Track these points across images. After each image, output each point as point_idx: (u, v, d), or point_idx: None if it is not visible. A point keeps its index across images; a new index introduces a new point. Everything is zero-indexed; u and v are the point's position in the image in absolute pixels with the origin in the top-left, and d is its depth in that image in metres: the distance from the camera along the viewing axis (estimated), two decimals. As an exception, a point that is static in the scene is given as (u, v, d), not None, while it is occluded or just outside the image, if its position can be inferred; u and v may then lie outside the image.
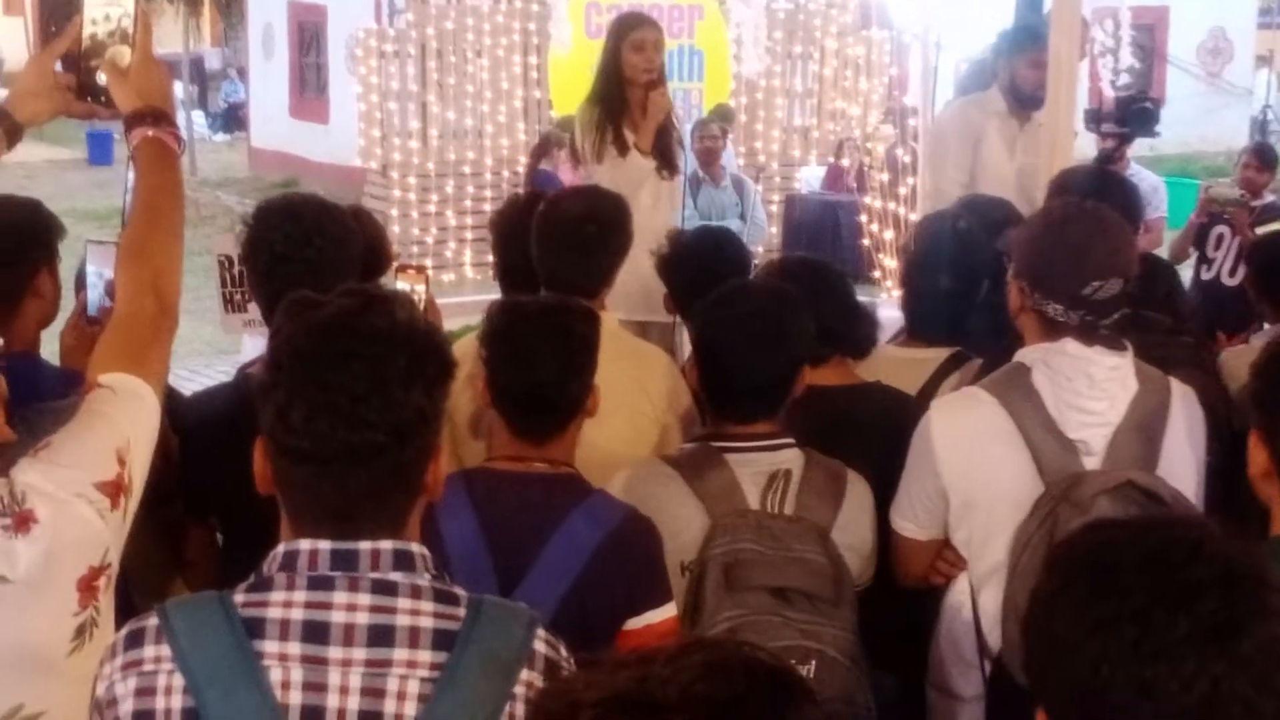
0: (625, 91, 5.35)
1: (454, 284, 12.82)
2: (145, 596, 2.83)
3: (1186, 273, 7.77)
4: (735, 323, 2.99)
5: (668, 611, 2.73)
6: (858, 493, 3.02)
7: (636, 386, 3.49)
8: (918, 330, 3.75)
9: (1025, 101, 5.75)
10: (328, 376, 1.80)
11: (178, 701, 1.76)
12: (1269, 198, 8.10)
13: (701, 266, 3.88)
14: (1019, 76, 5.75)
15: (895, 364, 3.60)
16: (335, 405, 1.79)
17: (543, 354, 2.76)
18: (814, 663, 2.76)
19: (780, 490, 2.92)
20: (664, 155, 5.40)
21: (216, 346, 9.42)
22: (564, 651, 1.87)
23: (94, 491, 2.11)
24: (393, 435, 1.81)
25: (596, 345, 2.85)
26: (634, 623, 2.69)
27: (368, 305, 1.87)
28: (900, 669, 3.08)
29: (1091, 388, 2.82)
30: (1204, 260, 7.54)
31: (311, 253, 3.04)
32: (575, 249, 3.58)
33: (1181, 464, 2.88)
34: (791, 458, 2.99)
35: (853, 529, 2.99)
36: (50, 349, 3.32)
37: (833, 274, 3.56)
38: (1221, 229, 7.47)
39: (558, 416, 2.80)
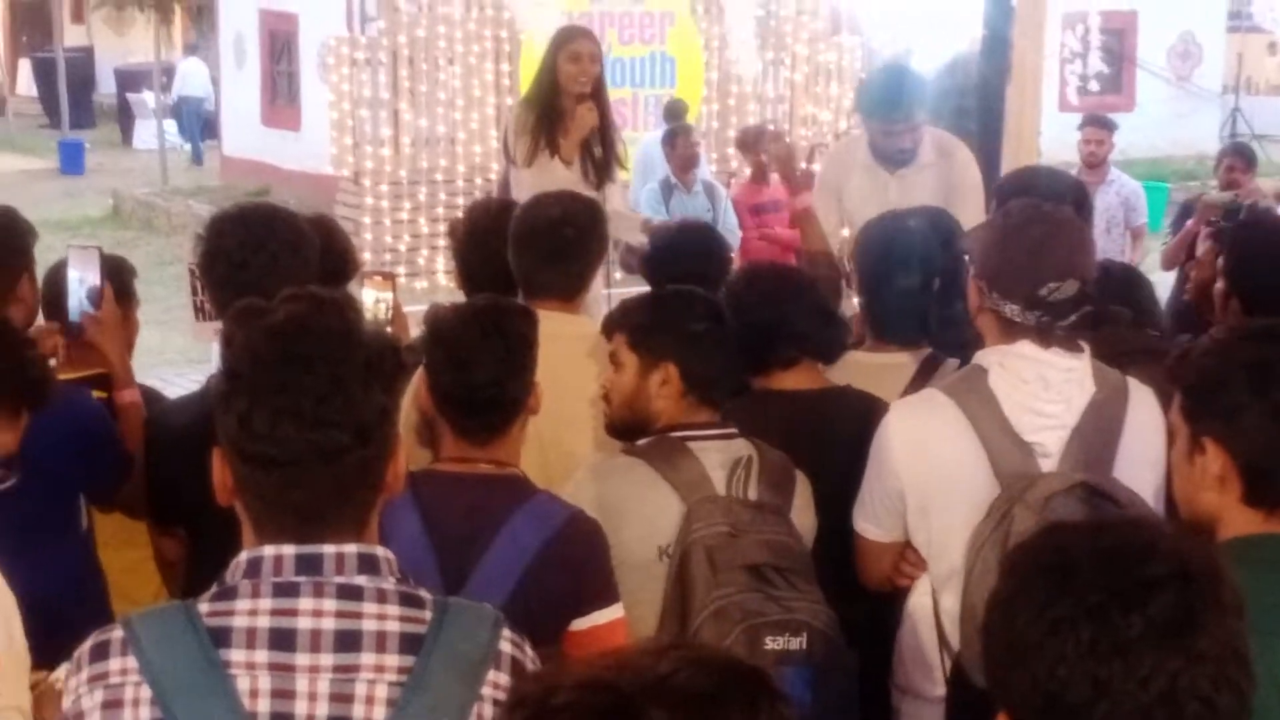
0: (560, 100, 5.45)
1: (427, 291, 12.79)
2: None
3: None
4: None
5: (614, 612, 2.75)
6: (804, 483, 3.10)
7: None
8: (882, 333, 3.69)
9: (885, 160, 5.30)
10: (288, 380, 1.81)
11: (145, 713, 1.76)
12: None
13: (687, 266, 3.93)
14: (871, 141, 5.35)
15: (866, 369, 3.59)
16: (298, 408, 1.80)
17: (481, 356, 2.78)
18: (805, 634, 2.83)
19: (744, 476, 2.97)
20: (592, 163, 5.48)
21: (187, 355, 9.38)
22: (529, 651, 1.89)
23: None
24: (356, 434, 1.82)
25: (535, 343, 2.87)
26: (580, 623, 2.71)
27: (318, 308, 1.88)
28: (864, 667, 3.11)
29: (1047, 390, 2.83)
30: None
31: (265, 258, 3.07)
32: (552, 254, 3.59)
33: (1140, 465, 2.88)
34: (746, 445, 3.05)
35: (802, 516, 3.06)
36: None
37: (801, 279, 3.58)
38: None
39: (499, 416, 2.81)
